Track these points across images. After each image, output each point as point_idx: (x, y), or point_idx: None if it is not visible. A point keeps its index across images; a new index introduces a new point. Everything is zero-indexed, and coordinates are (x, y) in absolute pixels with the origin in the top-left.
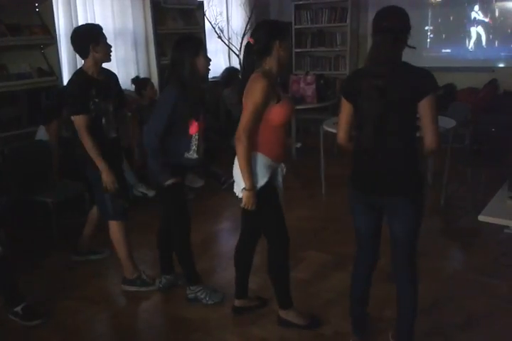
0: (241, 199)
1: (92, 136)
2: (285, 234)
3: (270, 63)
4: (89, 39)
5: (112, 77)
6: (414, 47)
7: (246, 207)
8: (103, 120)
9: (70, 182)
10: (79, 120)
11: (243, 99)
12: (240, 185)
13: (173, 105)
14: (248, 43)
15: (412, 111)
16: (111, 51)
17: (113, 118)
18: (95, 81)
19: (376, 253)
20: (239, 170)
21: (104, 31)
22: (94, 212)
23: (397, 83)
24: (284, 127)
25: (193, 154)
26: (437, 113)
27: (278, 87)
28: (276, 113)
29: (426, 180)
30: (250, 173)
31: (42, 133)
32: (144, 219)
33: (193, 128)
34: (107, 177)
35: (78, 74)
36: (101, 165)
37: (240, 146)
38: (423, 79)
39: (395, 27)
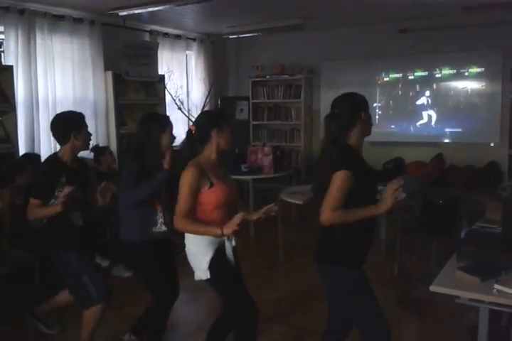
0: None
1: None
2: (249, 309)
3: (209, 149)
4: (72, 127)
5: (84, 166)
6: (371, 124)
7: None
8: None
9: (20, 252)
10: (33, 202)
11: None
12: (197, 270)
13: (134, 182)
14: (189, 130)
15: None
16: (90, 140)
17: (82, 207)
18: (68, 168)
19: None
20: (193, 257)
21: (63, 99)
22: (64, 296)
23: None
24: (223, 208)
25: (160, 227)
26: (336, 191)
27: (217, 170)
28: (207, 198)
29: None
30: (206, 229)
31: None
32: None
33: (156, 202)
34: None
35: (51, 160)
36: (50, 211)
37: (181, 226)
38: (334, 161)
39: (341, 113)
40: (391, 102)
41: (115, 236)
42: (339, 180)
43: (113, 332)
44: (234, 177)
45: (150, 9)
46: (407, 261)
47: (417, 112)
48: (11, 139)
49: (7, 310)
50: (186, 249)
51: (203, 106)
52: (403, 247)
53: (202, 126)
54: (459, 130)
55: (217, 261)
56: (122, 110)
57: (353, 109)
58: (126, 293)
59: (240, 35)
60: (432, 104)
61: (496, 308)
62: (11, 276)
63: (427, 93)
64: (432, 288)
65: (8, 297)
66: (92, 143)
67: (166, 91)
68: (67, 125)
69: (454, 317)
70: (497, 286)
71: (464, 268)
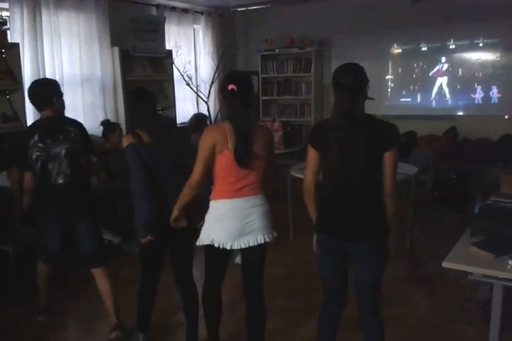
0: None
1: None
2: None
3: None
4: (53, 92)
5: (73, 125)
6: (372, 99)
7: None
8: (49, 165)
9: (32, 230)
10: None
11: (265, 147)
12: (267, 233)
13: None
14: (232, 90)
15: (373, 159)
16: (65, 106)
17: (64, 163)
18: (41, 127)
19: (342, 301)
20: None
21: (70, 76)
22: (40, 266)
23: (357, 135)
24: None
25: None
26: (397, 161)
27: None
28: None
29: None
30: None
31: (3, 180)
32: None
33: None
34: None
35: (30, 125)
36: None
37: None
38: (387, 133)
39: (351, 84)
40: (403, 75)
41: (127, 213)
42: (396, 156)
43: (122, 308)
44: None
45: None
46: (418, 237)
47: (429, 84)
48: (19, 117)
49: (19, 288)
50: (266, 208)
51: (212, 82)
52: (415, 223)
53: (251, 88)
54: (473, 102)
55: None
56: (130, 86)
57: (361, 80)
58: (138, 269)
59: (249, 8)
60: (446, 76)
61: (511, 284)
62: (23, 255)
63: (440, 65)
64: (445, 264)
65: (20, 275)
66: (103, 117)
67: (174, 66)
68: (50, 90)
69: (465, 292)
70: None
71: (478, 243)
